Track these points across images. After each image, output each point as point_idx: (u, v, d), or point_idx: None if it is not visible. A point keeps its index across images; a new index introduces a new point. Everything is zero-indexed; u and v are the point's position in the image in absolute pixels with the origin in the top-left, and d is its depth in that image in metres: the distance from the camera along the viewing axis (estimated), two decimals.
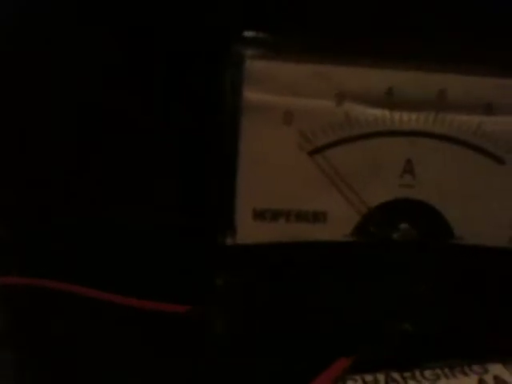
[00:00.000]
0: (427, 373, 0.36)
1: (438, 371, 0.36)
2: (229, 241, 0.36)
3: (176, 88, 0.43)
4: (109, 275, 0.42)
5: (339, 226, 0.36)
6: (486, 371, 0.36)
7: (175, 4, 0.42)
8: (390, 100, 0.36)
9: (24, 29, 0.44)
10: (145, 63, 0.43)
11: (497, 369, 0.37)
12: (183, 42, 0.42)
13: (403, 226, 0.36)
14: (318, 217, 0.36)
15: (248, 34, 0.35)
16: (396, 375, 0.36)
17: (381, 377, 0.36)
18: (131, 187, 0.45)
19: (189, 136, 0.44)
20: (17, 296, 0.43)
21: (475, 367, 0.37)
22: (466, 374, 0.36)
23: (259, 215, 0.36)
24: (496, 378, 0.36)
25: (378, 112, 0.36)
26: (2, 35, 0.44)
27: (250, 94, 0.35)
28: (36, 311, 0.42)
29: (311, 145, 0.36)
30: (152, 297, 0.42)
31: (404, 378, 0.36)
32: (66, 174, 0.46)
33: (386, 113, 0.36)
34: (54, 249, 0.45)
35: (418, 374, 0.36)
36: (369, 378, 0.36)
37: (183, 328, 0.40)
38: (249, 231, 0.36)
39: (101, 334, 0.40)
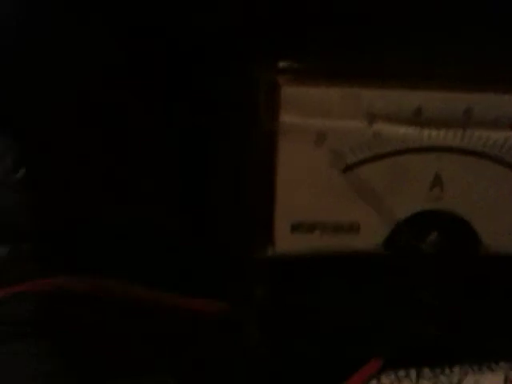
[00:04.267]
0: (456, 369, 0.38)
1: (467, 367, 0.38)
2: (268, 253, 0.37)
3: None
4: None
5: (371, 237, 0.38)
6: None
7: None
8: (418, 119, 0.37)
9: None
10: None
11: None
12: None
13: (432, 236, 0.38)
14: (351, 228, 0.38)
15: (282, 64, 0.36)
16: (427, 371, 0.38)
17: (413, 372, 0.38)
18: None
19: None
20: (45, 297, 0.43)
21: (502, 364, 0.38)
22: (492, 371, 0.38)
23: (296, 228, 0.37)
24: None
25: (407, 130, 0.37)
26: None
27: (286, 118, 0.36)
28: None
29: (344, 162, 0.37)
30: None
31: (435, 374, 0.38)
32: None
33: (415, 131, 0.37)
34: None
35: (447, 369, 0.38)
36: (401, 373, 0.38)
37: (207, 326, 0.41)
38: (287, 243, 0.37)
39: (113, 329, 0.41)
